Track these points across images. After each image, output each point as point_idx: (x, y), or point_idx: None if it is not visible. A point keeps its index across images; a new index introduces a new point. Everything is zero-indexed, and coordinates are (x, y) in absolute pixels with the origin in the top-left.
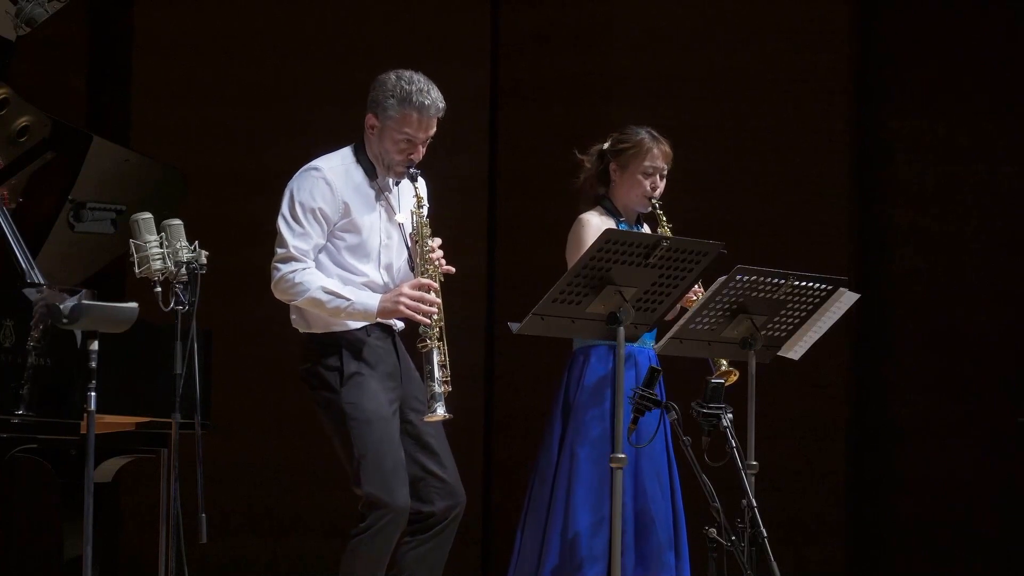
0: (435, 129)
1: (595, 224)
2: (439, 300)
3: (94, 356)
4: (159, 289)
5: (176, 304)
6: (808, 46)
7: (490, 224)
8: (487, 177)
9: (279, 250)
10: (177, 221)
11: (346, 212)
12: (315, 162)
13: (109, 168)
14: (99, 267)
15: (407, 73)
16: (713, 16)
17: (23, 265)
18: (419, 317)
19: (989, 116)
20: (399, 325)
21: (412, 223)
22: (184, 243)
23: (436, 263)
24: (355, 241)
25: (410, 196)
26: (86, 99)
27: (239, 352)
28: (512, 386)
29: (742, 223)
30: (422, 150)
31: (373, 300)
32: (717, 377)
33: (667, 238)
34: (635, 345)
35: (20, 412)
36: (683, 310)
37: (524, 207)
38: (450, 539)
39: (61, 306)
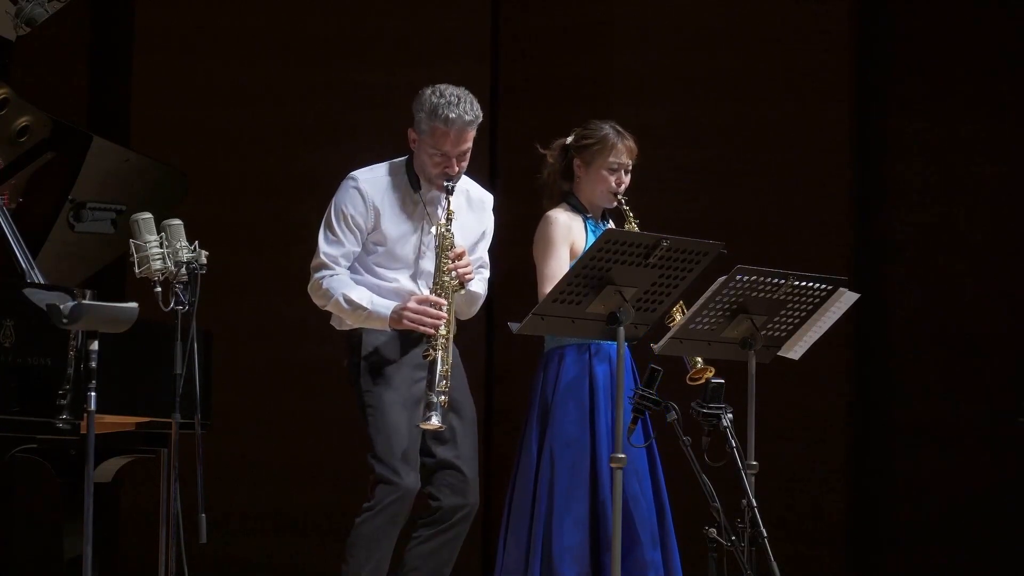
0: (469, 143)
1: (563, 221)
2: (446, 315)
3: (94, 356)
4: (159, 289)
5: (176, 304)
6: (808, 46)
7: None
8: (487, 177)
9: (314, 259)
10: (177, 221)
11: (377, 220)
12: (357, 171)
13: (109, 168)
14: (99, 267)
15: (441, 86)
16: (714, 16)
17: (23, 265)
18: (423, 329)
19: (989, 116)
20: None
21: (436, 238)
22: (184, 243)
23: (453, 275)
24: (383, 249)
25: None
26: (86, 99)
27: (239, 352)
28: (512, 386)
29: (742, 223)
30: (458, 164)
31: (387, 310)
32: (694, 375)
33: (667, 238)
34: (606, 343)
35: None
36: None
37: (524, 207)
38: (458, 540)
39: (61, 306)
